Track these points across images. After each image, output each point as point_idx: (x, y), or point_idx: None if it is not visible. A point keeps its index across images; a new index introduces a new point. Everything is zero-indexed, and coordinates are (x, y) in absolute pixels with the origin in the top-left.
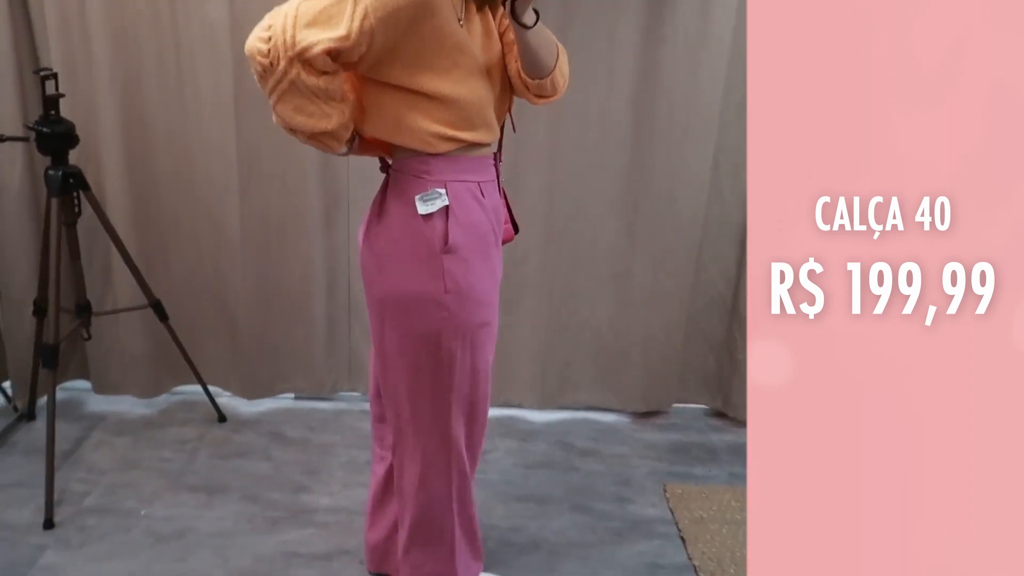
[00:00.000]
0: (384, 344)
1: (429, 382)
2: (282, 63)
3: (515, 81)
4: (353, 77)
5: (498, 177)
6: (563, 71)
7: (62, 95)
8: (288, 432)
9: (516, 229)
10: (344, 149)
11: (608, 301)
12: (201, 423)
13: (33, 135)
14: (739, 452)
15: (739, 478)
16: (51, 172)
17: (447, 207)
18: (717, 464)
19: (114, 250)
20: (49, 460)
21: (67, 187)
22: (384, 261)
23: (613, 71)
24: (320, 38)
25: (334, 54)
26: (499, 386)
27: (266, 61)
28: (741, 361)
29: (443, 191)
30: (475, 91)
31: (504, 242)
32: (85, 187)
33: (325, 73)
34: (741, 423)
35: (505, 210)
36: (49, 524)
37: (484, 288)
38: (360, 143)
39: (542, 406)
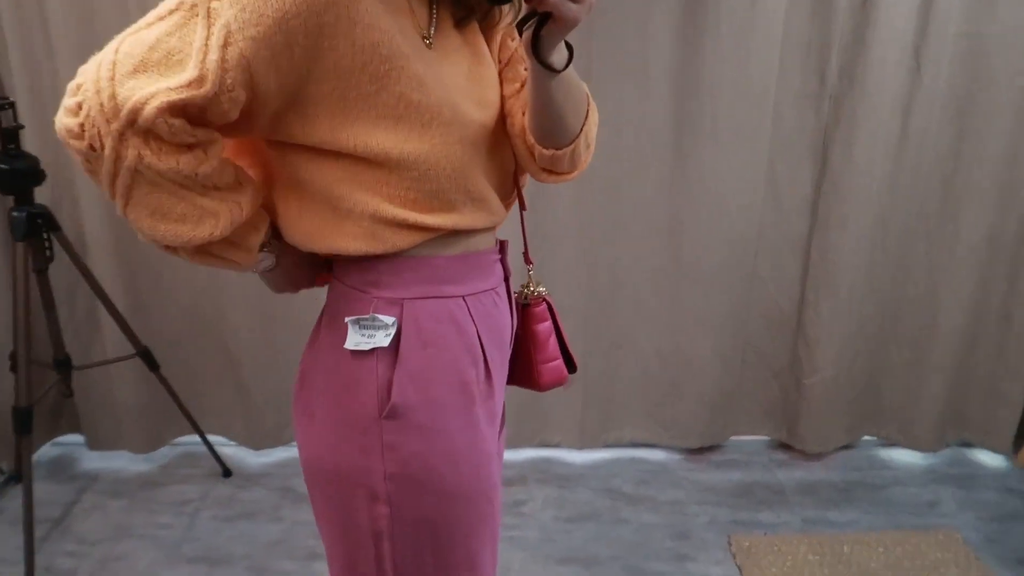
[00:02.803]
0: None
1: None
2: (107, 143)
3: (516, 143)
4: (252, 148)
5: (507, 280)
6: (589, 137)
7: (21, 126)
8: (299, 486)
9: (572, 367)
10: (266, 262)
11: (653, 326)
12: (204, 479)
13: None
14: (811, 491)
15: (814, 524)
16: (15, 213)
17: (397, 342)
18: (787, 507)
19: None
20: (28, 540)
21: (34, 229)
22: (309, 401)
23: (648, 68)
24: (154, 90)
25: (188, 112)
26: (534, 424)
27: (82, 144)
28: (808, 386)
29: (390, 319)
30: (445, 147)
31: (551, 386)
32: (55, 228)
33: (186, 146)
34: (810, 456)
35: (544, 333)
36: None
37: (461, 471)
38: (288, 250)
39: (583, 445)
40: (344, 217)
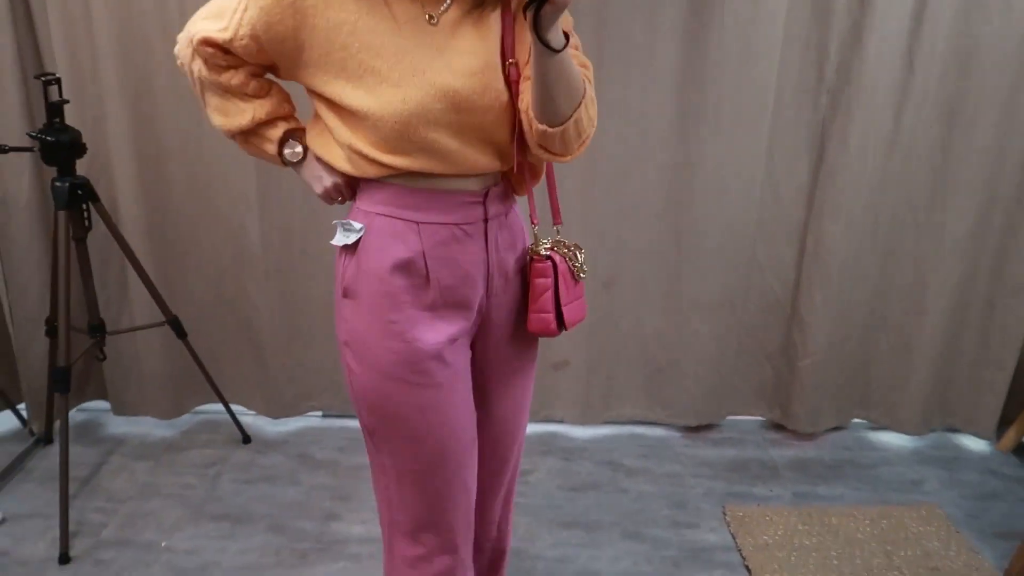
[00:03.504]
0: None
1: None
2: (187, 60)
3: (523, 118)
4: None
5: (486, 221)
6: (581, 127)
7: (66, 101)
8: (316, 454)
9: (562, 324)
10: (293, 150)
11: (654, 307)
12: (224, 445)
13: (37, 145)
14: (802, 468)
15: (804, 497)
16: (57, 184)
17: (359, 243)
18: (779, 482)
19: (130, 265)
20: (63, 491)
21: (75, 199)
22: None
23: (654, 60)
24: (202, 27)
25: (219, 46)
26: (539, 400)
27: (179, 62)
28: (801, 369)
29: (359, 225)
30: (390, 105)
31: (537, 332)
32: (95, 199)
33: (225, 68)
34: (802, 436)
35: (541, 287)
36: (65, 559)
37: (379, 350)
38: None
39: (585, 421)
40: (335, 143)
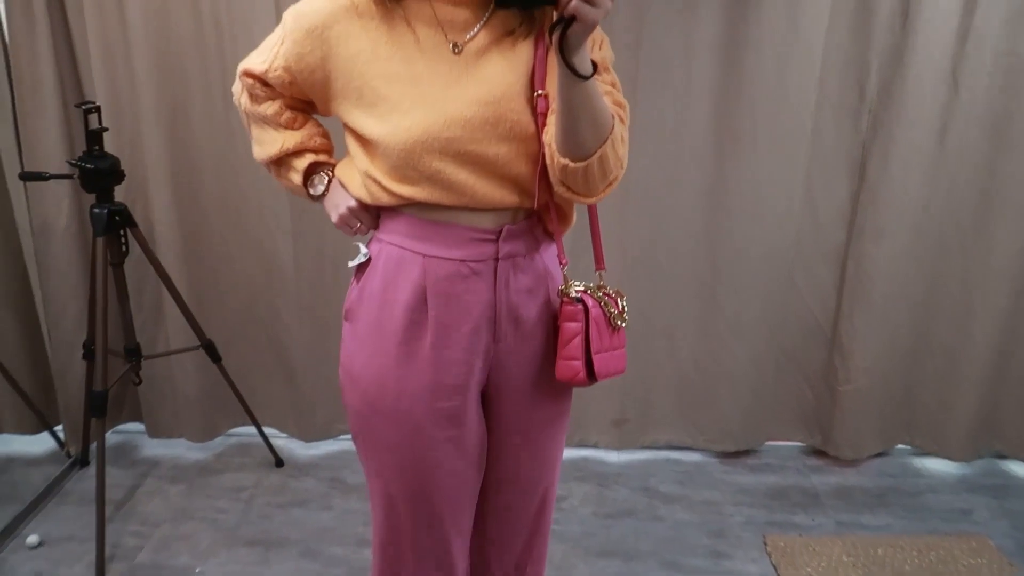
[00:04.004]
0: None
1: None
2: (236, 93)
3: (547, 151)
4: None
5: (498, 261)
6: (606, 166)
7: (106, 129)
8: (348, 478)
9: (591, 375)
10: (303, 180)
11: (690, 331)
12: (257, 468)
13: (76, 172)
14: (845, 496)
15: (848, 527)
16: (96, 210)
17: (366, 263)
18: (821, 510)
19: (165, 289)
20: (100, 516)
21: (113, 225)
22: None
23: (690, 80)
24: (247, 61)
25: (259, 79)
26: (573, 425)
27: (235, 100)
28: (842, 394)
29: (365, 250)
30: (398, 133)
31: (564, 381)
32: (132, 224)
33: (264, 98)
34: (844, 462)
35: (569, 332)
36: None
37: (364, 381)
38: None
39: (620, 446)
40: (355, 170)
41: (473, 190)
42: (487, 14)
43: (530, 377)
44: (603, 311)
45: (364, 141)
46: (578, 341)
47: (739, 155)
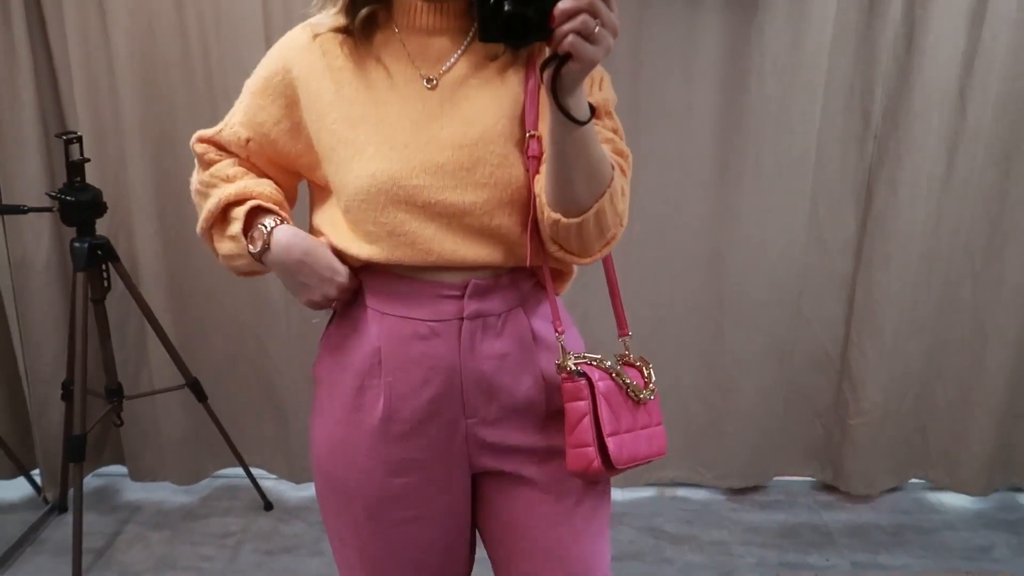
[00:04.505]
0: None
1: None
2: (192, 182)
3: (537, 202)
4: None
5: (462, 319)
6: (603, 223)
7: (87, 160)
8: None
9: (608, 462)
10: (243, 227)
11: (694, 364)
12: (245, 511)
13: (56, 205)
14: (859, 534)
15: (864, 568)
16: (76, 244)
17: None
18: (835, 550)
19: (149, 326)
20: (76, 570)
21: (94, 259)
22: None
23: (691, 108)
24: (201, 131)
25: (213, 142)
26: None
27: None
28: (853, 427)
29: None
30: (375, 179)
31: (577, 473)
32: (115, 259)
33: (216, 161)
34: (856, 498)
35: (574, 413)
36: None
37: (328, 452)
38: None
39: (624, 484)
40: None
41: (441, 247)
42: (467, 39)
43: (532, 465)
44: (617, 383)
45: (319, 195)
46: (586, 423)
47: (742, 184)
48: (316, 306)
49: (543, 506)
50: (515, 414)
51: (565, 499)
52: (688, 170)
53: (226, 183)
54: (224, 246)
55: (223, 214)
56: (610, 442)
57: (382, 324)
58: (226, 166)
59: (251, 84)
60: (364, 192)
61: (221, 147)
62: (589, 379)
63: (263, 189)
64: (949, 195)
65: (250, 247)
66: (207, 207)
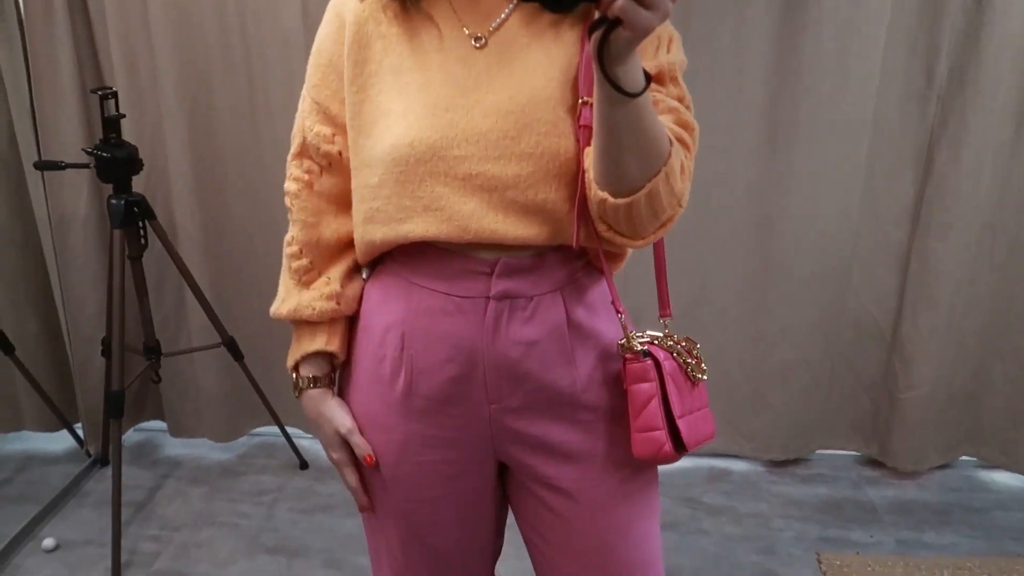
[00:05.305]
0: None
1: None
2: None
3: (585, 178)
4: None
5: (488, 298)
6: (657, 204)
7: (123, 116)
8: None
9: (680, 445)
10: (295, 364)
11: (737, 334)
12: (281, 470)
13: (93, 161)
14: (905, 511)
15: (909, 546)
16: (113, 201)
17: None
18: (879, 527)
19: (186, 284)
20: (116, 524)
21: (131, 217)
22: None
23: (743, 68)
24: (288, 170)
25: (304, 176)
26: None
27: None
28: (903, 402)
29: (366, 272)
30: (413, 148)
31: (645, 458)
32: (151, 216)
33: (306, 223)
34: (903, 474)
35: (641, 396)
36: None
37: (358, 424)
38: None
39: None
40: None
41: (479, 224)
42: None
43: (575, 463)
44: (678, 363)
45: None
46: (655, 405)
47: (794, 147)
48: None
49: (578, 508)
50: (544, 406)
51: (607, 500)
52: (736, 134)
53: (289, 276)
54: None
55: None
56: (681, 424)
57: (409, 294)
58: (292, 247)
59: (309, 79)
60: (402, 163)
61: (311, 157)
62: (655, 359)
63: (310, 311)
64: (1017, 161)
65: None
66: (275, 308)
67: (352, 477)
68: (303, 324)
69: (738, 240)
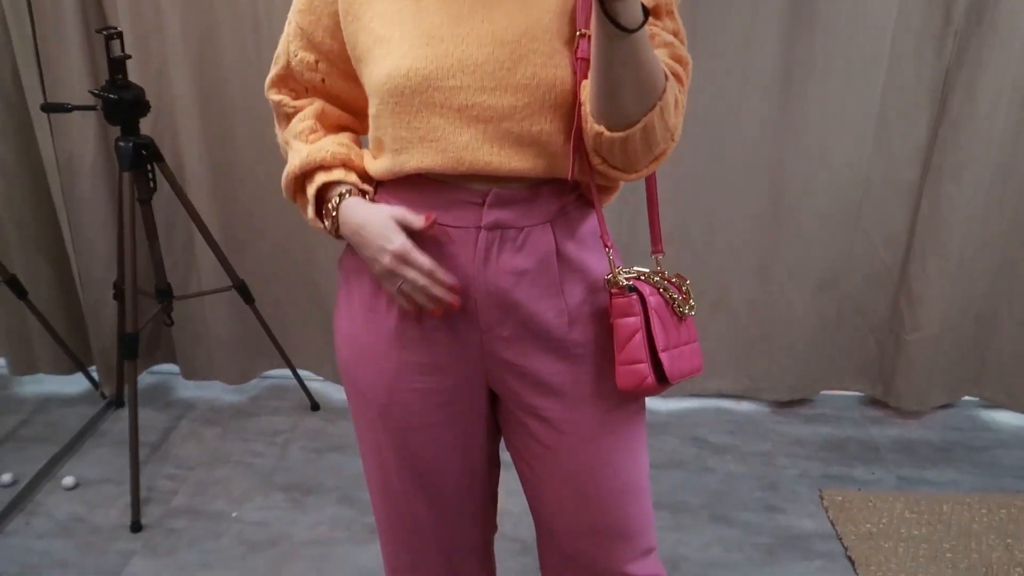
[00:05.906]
0: None
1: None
2: (278, 135)
3: (581, 111)
4: None
5: (479, 230)
6: (651, 138)
7: (128, 56)
8: None
9: (661, 375)
10: (317, 200)
11: (745, 275)
12: (293, 411)
13: (99, 103)
14: (907, 450)
15: (910, 483)
16: (121, 143)
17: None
18: (881, 464)
19: (195, 228)
20: (134, 463)
21: (139, 160)
22: None
23: (758, 4)
24: (268, 79)
25: (284, 83)
26: None
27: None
28: (909, 343)
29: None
30: (409, 79)
31: (628, 390)
32: (159, 159)
33: (295, 112)
34: (906, 414)
35: (625, 329)
36: (137, 527)
37: (348, 348)
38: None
39: (668, 394)
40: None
41: (474, 156)
42: None
43: (562, 397)
44: (664, 298)
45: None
46: (639, 339)
47: (807, 87)
48: (396, 296)
49: (564, 439)
50: (533, 336)
51: (592, 431)
52: (748, 72)
53: (298, 141)
54: (311, 222)
55: (299, 185)
56: (664, 357)
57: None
58: (298, 121)
59: (296, 4)
60: (398, 94)
61: (294, 81)
62: (640, 294)
63: (324, 154)
64: None
65: (327, 224)
66: (284, 176)
67: (425, 259)
68: (316, 172)
69: (749, 181)
